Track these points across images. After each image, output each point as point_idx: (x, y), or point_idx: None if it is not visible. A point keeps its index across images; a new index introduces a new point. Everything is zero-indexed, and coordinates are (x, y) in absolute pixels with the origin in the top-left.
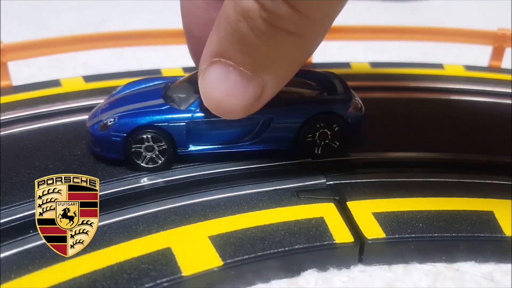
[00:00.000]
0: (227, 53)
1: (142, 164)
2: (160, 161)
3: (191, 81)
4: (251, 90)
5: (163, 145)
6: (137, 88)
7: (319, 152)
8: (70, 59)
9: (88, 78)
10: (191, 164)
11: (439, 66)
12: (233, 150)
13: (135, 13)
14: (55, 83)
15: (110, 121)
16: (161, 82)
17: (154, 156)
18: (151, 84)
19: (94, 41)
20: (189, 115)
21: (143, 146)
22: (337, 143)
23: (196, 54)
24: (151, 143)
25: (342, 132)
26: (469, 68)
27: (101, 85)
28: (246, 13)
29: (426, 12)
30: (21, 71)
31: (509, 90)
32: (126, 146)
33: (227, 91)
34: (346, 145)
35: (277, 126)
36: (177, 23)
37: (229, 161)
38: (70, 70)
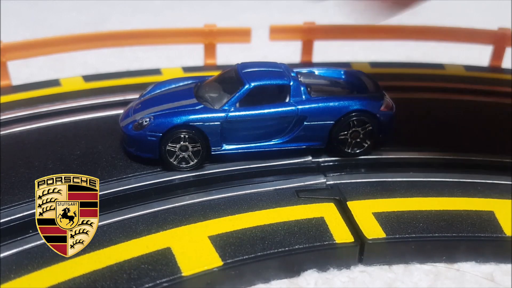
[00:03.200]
0: None
1: (175, 163)
2: (193, 162)
3: (223, 80)
4: None
5: (198, 145)
6: (167, 88)
7: (350, 151)
8: (70, 59)
9: (87, 78)
10: None
11: (440, 66)
12: (266, 149)
13: (135, 13)
14: (55, 82)
15: (145, 121)
16: (190, 82)
17: (187, 156)
18: (180, 84)
19: (93, 40)
20: (223, 114)
21: (177, 145)
22: (368, 142)
23: None
24: (186, 143)
25: (374, 131)
26: (469, 68)
27: (101, 85)
28: None
29: (426, 12)
30: (21, 71)
31: (509, 90)
32: (161, 145)
33: None
34: (376, 145)
35: (310, 124)
36: (177, 23)
37: (229, 161)
38: (70, 69)
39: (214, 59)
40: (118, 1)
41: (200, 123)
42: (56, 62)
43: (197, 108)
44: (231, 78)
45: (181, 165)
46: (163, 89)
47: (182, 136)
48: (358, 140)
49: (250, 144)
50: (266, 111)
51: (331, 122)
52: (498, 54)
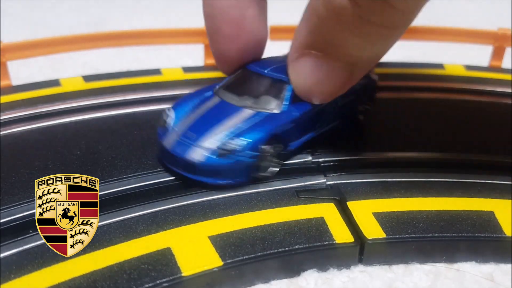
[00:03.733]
0: (317, 45)
1: (263, 174)
2: (277, 168)
3: (248, 85)
4: (340, 77)
5: (281, 150)
6: (195, 106)
7: (362, 118)
8: (70, 59)
9: (87, 78)
10: None
11: (440, 66)
12: (315, 136)
13: (135, 13)
14: (55, 83)
15: (235, 145)
16: (207, 94)
17: (272, 163)
18: (197, 101)
19: (93, 41)
20: (286, 116)
21: (267, 157)
22: (370, 106)
23: (224, 52)
24: (273, 152)
25: (372, 94)
26: (469, 68)
27: (101, 85)
28: (338, 10)
29: (426, 12)
30: (21, 71)
31: (509, 90)
32: (259, 164)
33: (318, 79)
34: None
35: (343, 104)
36: (177, 23)
37: None
38: (70, 70)
39: (214, 59)
40: (118, 1)
41: (280, 130)
42: (56, 62)
43: (267, 116)
44: (258, 80)
45: (266, 174)
46: (191, 109)
47: (271, 148)
48: (366, 106)
49: (304, 136)
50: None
51: (353, 97)
52: (498, 54)
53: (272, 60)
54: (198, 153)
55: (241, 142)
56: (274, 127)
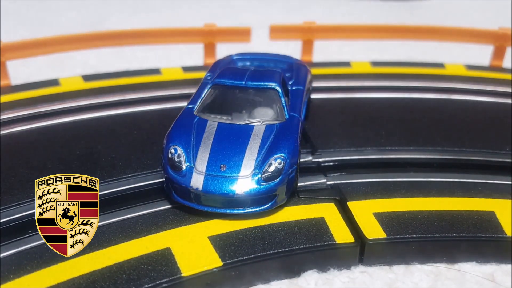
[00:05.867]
0: None
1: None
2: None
3: (239, 101)
4: None
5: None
6: (198, 137)
7: None
8: (69, 59)
9: (87, 78)
10: None
11: (440, 65)
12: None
13: (135, 13)
14: (54, 82)
15: (279, 164)
16: (192, 122)
17: None
18: (193, 130)
19: (93, 40)
20: (292, 121)
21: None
22: None
23: None
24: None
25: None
26: (470, 67)
27: (100, 85)
28: None
29: (427, 11)
30: (20, 71)
31: (510, 90)
32: (296, 175)
33: None
34: None
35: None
36: (176, 23)
37: None
38: (69, 69)
39: (214, 58)
40: (118, 1)
41: (299, 136)
42: (55, 62)
43: (280, 127)
44: (242, 93)
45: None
46: (196, 143)
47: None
48: None
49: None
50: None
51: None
52: (498, 54)
53: (241, 68)
54: (241, 184)
55: (279, 159)
56: (296, 134)
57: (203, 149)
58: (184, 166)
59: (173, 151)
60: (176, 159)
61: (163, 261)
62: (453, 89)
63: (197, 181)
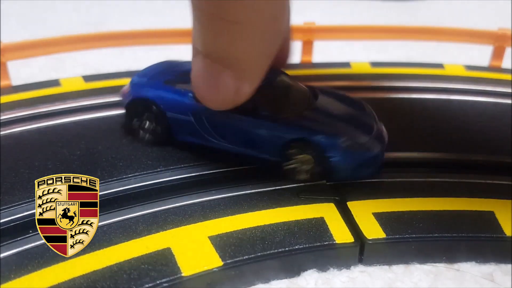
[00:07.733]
0: (194, 44)
1: None
2: None
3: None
4: (225, 83)
5: None
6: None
7: None
8: (70, 59)
9: (87, 78)
10: (191, 164)
11: (440, 66)
12: None
13: (134, 13)
14: (55, 83)
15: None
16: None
17: None
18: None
19: (93, 41)
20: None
21: None
22: None
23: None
24: None
25: None
26: (469, 68)
27: (101, 85)
28: (198, 9)
29: (426, 11)
30: (21, 71)
31: (509, 90)
32: None
33: (204, 81)
34: None
35: None
36: (176, 23)
37: (228, 161)
38: (70, 70)
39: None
40: (118, 1)
41: None
42: (56, 62)
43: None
44: None
45: None
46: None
47: None
48: None
49: None
50: None
51: None
52: (498, 54)
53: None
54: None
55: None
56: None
57: None
58: None
59: None
60: None
61: (164, 260)
62: (453, 90)
63: None
